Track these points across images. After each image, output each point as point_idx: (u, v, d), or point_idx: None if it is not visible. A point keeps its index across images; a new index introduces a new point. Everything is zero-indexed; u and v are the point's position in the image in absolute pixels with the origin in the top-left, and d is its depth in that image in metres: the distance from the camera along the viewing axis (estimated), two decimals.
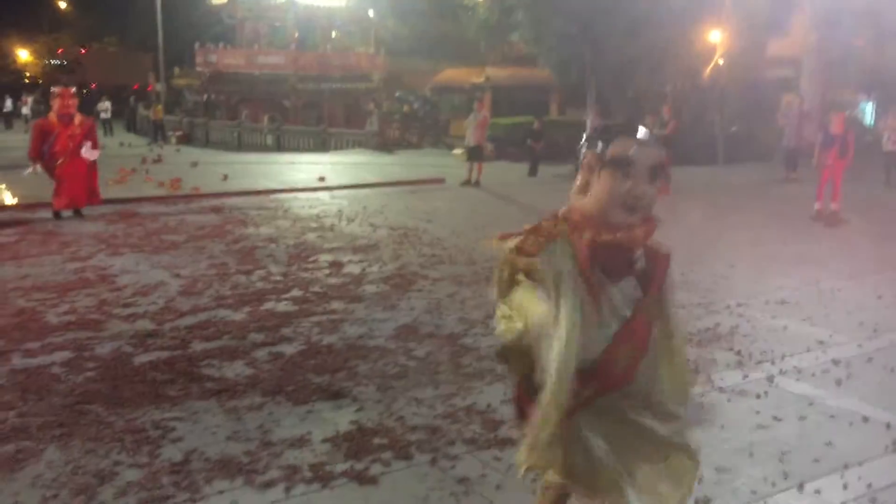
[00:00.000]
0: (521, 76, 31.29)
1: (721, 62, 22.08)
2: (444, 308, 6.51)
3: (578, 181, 2.57)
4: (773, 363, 5.31)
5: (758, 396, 4.70)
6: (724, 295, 7.12)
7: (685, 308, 6.62)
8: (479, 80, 31.37)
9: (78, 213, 11.07)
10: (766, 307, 6.73)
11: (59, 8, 57.19)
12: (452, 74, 33.72)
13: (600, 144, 2.53)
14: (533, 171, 19.23)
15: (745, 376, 5.05)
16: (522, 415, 2.64)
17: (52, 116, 10.89)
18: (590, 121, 19.95)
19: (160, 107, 32.07)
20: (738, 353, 5.50)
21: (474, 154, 16.57)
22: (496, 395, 4.61)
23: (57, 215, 10.86)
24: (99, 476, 3.58)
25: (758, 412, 4.46)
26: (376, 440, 4.00)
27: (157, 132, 30.49)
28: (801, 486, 3.59)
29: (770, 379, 5.00)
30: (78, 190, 10.96)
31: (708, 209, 13.19)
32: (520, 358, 2.51)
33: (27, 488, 3.47)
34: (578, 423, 2.54)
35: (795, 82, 24.12)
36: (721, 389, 4.80)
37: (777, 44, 24.11)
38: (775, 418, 4.38)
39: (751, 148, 22.20)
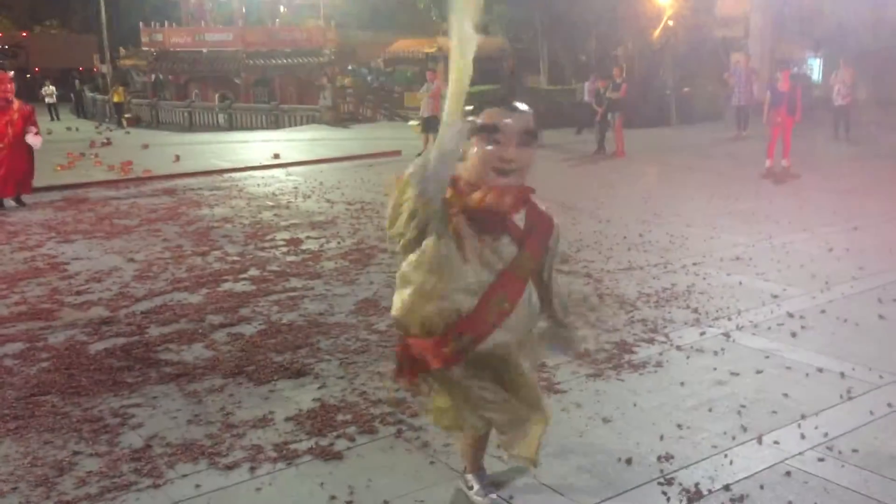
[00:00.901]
0: None
1: (671, 23, 22.17)
2: None
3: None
4: (729, 319, 5.40)
5: (715, 353, 4.78)
6: (681, 254, 7.20)
7: (643, 269, 6.70)
8: (432, 50, 31.08)
9: (20, 202, 10.76)
10: (721, 264, 6.83)
11: None
12: (405, 45, 33.39)
13: (472, 116, 2.78)
14: None
15: (703, 333, 5.12)
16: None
17: None
18: (587, 85, 19.55)
19: (121, 89, 31.17)
20: (696, 310, 5.58)
21: (429, 125, 16.44)
22: None
23: (0, 205, 10.58)
24: (57, 467, 3.52)
25: (715, 368, 4.53)
26: (340, 416, 3.98)
27: (118, 115, 29.66)
28: (759, 439, 3.66)
29: (727, 335, 5.08)
30: (20, 177, 10.72)
31: (662, 170, 13.31)
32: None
33: None
34: (458, 374, 2.91)
35: (744, 41, 24.33)
36: (679, 347, 4.87)
37: (725, 3, 24.27)
38: (733, 373, 4.45)
39: (702, 108, 22.38)
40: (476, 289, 2.78)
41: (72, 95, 37.09)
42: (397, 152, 16.76)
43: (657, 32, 22.31)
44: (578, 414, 3.98)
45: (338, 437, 3.77)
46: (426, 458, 3.56)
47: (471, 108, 2.81)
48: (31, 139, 10.64)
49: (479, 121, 2.77)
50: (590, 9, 21.93)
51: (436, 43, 31.17)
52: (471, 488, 3.23)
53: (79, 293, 6.36)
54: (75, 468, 3.51)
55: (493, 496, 3.20)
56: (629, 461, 3.47)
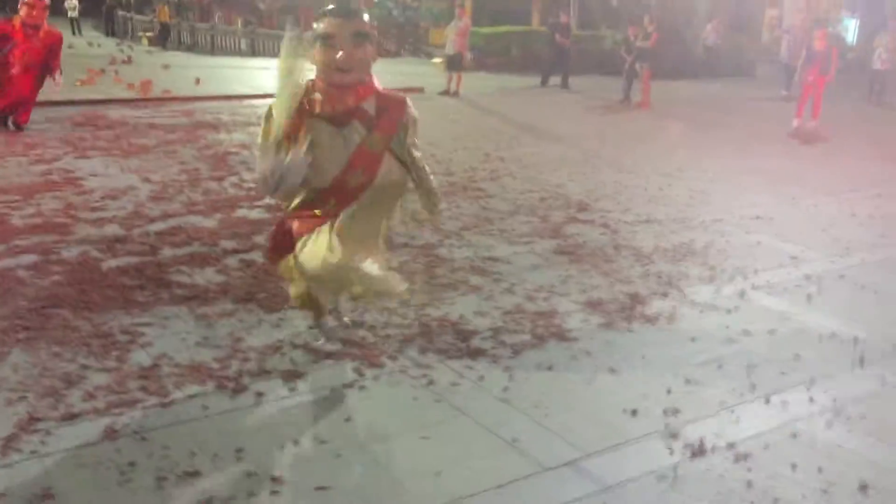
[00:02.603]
0: None
1: None
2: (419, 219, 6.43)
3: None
4: (745, 278, 5.34)
5: (729, 311, 4.73)
6: (700, 210, 7.11)
7: (661, 223, 6.62)
8: None
9: (17, 127, 9.94)
10: (740, 223, 6.74)
11: None
12: None
13: (314, 25, 3.38)
14: (564, 82, 17.88)
15: (718, 291, 5.07)
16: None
17: (17, 21, 9.77)
18: (630, 33, 18.41)
19: (166, 7, 30.43)
20: (712, 268, 5.52)
21: (454, 63, 16.22)
22: (469, 306, 4.60)
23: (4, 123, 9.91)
24: (66, 380, 3.53)
25: (728, 326, 4.49)
26: (348, 349, 3.98)
27: (164, 35, 28.97)
28: (767, 399, 3.64)
29: (742, 294, 5.03)
30: (21, 101, 9.91)
31: (688, 124, 13.10)
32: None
33: None
34: (329, 229, 3.49)
35: None
36: (693, 303, 4.82)
37: None
38: (745, 332, 4.41)
39: (732, 63, 21.95)
40: (334, 167, 3.43)
41: (102, 13, 36.22)
42: (420, 89, 16.53)
43: None
44: (588, 362, 3.96)
45: (345, 369, 3.77)
46: (432, 395, 3.56)
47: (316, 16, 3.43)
48: (58, 79, 9.95)
49: (317, 29, 3.34)
50: None
51: None
52: (318, 340, 3.99)
53: (94, 209, 6.35)
54: (83, 382, 3.53)
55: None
56: (634, 412, 3.46)
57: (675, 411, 3.49)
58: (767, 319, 4.62)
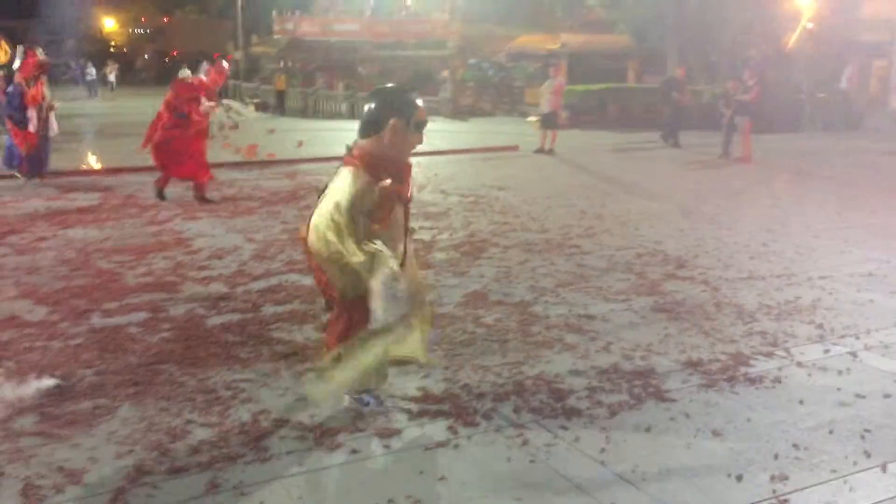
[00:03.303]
0: (598, 42, 30.67)
1: (810, 25, 21.15)
2: (514, 276, 6.44)
3: (387, 139, 3.55)
4: (857, 338, 5.08)
5: (840, 372, 4.51)
6: (807, 267, 6.85)
7: (765, 279, 6.41)
8: (555, 46, 30.83)
9: (203, 198, 9.75)
10: (850, 280, 6.45)
11: None
12: (527, 41, 33.27)
13: (403, 111, 3.55)
14: (674, 139, 17.31)
15: (827, 351, 4.84)
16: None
17: (206, 92, 9.63)
18: (730, 87, 17.87)
19: (283, 77, 31.81)
20: (820, 326, 5.28)
21: (548, 121, 16.32)
22: (565, 364, 4.54)
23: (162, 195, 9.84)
24: (171, 434, 3.65)
25: (839, 389, 4.28)
26: (442, 407, 3.98)
27: (280, 102, 30.15)
28: (884, 467, 3.43)
29: (854, 354, 4.79)
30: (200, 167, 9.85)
31: (791, 178, 12.72)
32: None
33: (103, 443, 3.56)
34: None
35: (890, 46, 22.98)
36: (800, 364, 4.62)
37: (872, 4, 22.96)
38: (858, 395, 4.19)
39: (840, 115, 21.26)
40: (401, 241, 3.71)
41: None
42: (514, 147, 16.68)
43: (795, 35, 21.32)
44: (688, 424, 3.83)
45: (439, 427, 3.77)
46: (527, 456, 3.51)
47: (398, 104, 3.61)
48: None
49: (416, 118, 3.57)
50: (724, 7, 21.17)
51: (559, 39, 30.89)
52: (367, 404, 3.89)
53: (200, 268, 6.62)
54: (188, 436, 3.64)
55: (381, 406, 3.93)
56: (739, 478, 3.32)
57: (783, 478, 3.32)
58: (882, 382, 4.38)
